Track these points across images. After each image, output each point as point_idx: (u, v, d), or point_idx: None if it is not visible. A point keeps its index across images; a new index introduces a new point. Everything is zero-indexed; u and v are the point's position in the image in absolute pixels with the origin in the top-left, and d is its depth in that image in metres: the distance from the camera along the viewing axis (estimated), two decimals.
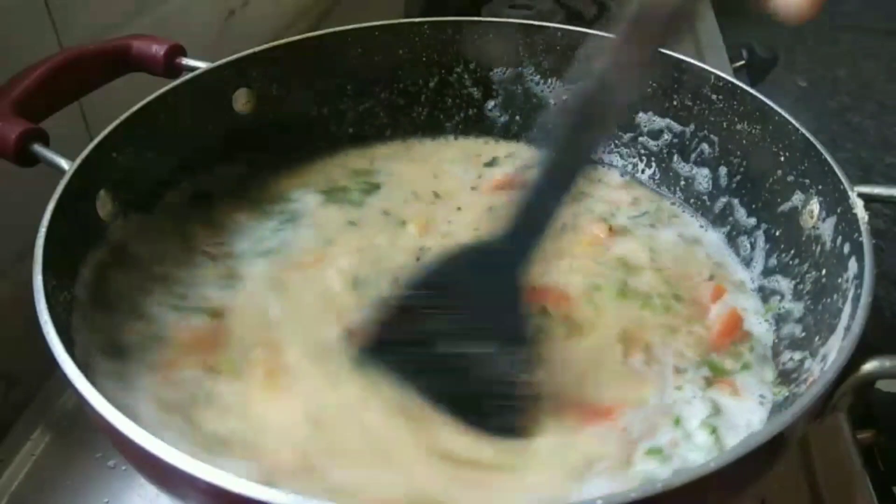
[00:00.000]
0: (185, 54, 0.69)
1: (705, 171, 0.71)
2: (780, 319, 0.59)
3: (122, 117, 0.61)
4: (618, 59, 0.47)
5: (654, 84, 0.72)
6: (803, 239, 0.59)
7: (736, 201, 0.68)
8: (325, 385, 0.52)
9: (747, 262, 0.65)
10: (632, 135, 0.76)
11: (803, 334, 0.55)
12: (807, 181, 0.59)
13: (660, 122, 0.74)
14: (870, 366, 0.43)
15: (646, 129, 0.75)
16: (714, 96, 0.68)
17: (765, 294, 0.62)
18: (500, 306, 0.51)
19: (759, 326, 0.60)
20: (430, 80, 0.80)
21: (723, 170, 0.69)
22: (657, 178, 0.75)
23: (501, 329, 0.51)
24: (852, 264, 0.50)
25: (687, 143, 0.72)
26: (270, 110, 0.75)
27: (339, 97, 0.79)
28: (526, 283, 0.50)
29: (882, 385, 0.47)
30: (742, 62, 1.14)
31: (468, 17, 0.79)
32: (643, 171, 0.76)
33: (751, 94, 0.65)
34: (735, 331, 0.59)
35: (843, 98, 1.32)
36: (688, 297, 0.62)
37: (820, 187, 0.57)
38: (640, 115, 0.75)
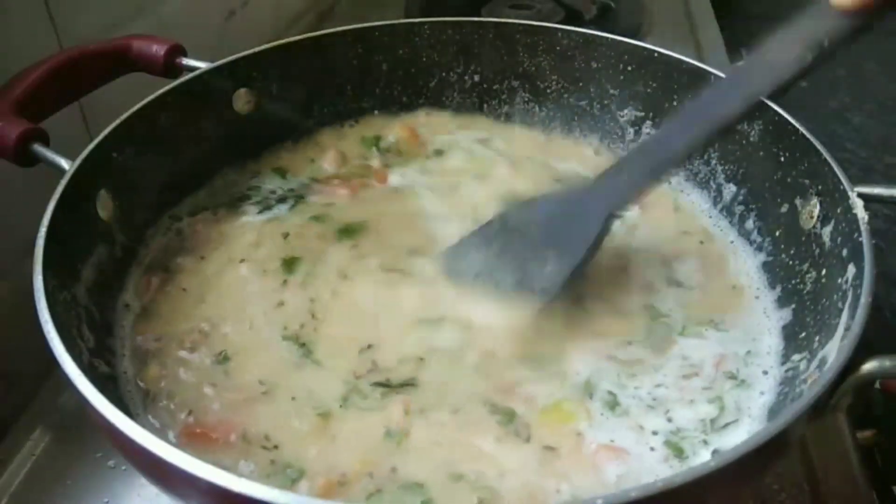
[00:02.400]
0: (185, 54, 0.69)
1: (705, 171, 0.71)
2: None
3: (122, 117, 0.61)
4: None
5: (654, 84, 0.72)
6: (803, 239, 0.59)
7: (736, 202, 0.68)
8: None
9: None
10: (631, 135, 0.76)
11: (803, 334, 0.55)
12: (807, 181, 0.59)
13: (660, 122, 0.74)
14: (870, 366, 0.43)
15: (645, 130, 0.75)
16: None
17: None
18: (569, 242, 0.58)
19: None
20: (430, 80, 0.80)
21: (722, 170, 0.69)
22: None
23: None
24: (852, 264, 0.50)
25: None
26: (270, 110, 0.75)
27: (339, 97, 0.79)
28: (597, 233, 0.57)
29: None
30: (741, 62, 1.14)
31: (468, 18, 0.79)
32: None
33: None
34: None
35: (843, 98, 1.32)
36: None
37: (820, 187, 0.57)
38: (640, 114, 0.75)
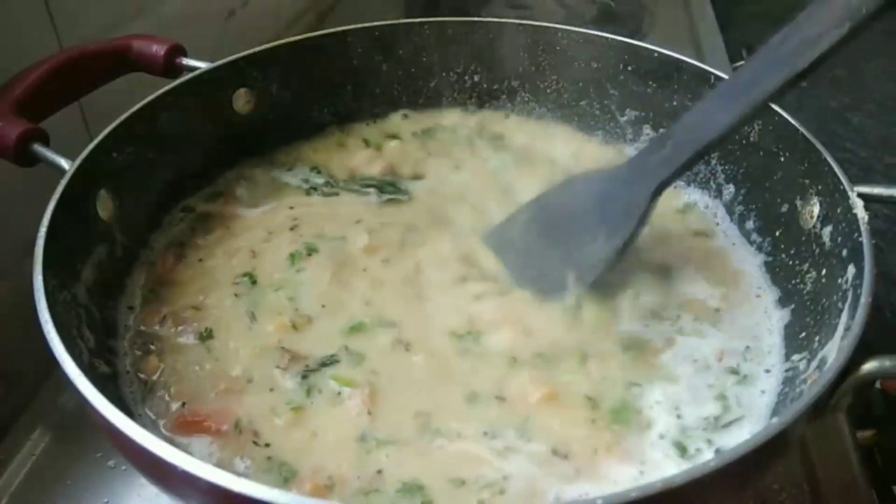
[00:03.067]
0: (185, 54, 0.69)
1: (705, 171, 0.71)
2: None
3: (122, 117, 0.61)
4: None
5: (654, 84, 0.72)
6: (803, 239, 0.59)
7: (736, 202, 0.68)
8: None
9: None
10: (631, 135, 0.76)
11: (803, 334, 0.55)
12: (807, 181, 0.59)
13: (659, 122, 0.74)
14: (870, 366, 0.43)
15: (645, 130, 0.75)
16: None
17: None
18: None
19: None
20: (430, 80, 0.80)
21: (722, 170, 0.69)
22: None
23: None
24: (852, 264, 0.50)
25: None
26: (270, 110, 0.75)
27: (339, 97, 0.79)
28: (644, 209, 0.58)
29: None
30: (742, 62, 1.14)
31: (468, 18, 0.79)
32: None
33: None
34: None
35: (843, 98, 1.31)
36: None
37: (820, 187, 0.57)
38: (640, 114, 0.75)
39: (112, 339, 0.57)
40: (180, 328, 0.58)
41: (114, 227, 0.61)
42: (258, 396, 0.53)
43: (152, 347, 0.57)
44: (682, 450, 0.50)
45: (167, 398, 0.53)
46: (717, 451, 0.50)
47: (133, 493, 0.57)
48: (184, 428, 0.52)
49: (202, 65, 0.69)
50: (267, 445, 0.50)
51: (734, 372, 0.55)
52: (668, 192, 0.71)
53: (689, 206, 0.71)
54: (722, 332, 0.58)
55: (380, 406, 0.53)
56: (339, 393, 0.53)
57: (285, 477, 0.48)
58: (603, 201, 0.60)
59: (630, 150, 0.76)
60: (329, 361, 0.56)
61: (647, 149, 0.60)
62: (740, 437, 0.51)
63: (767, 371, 0.56)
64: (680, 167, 0.57)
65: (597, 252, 0.58)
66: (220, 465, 0.48)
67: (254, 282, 0.62)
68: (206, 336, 0.58)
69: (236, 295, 0.61)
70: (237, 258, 0.65)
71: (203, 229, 0.68)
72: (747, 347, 0.57)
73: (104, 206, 0.59)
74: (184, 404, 0.53)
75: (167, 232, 0.67)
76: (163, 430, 0.51)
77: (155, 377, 0.55)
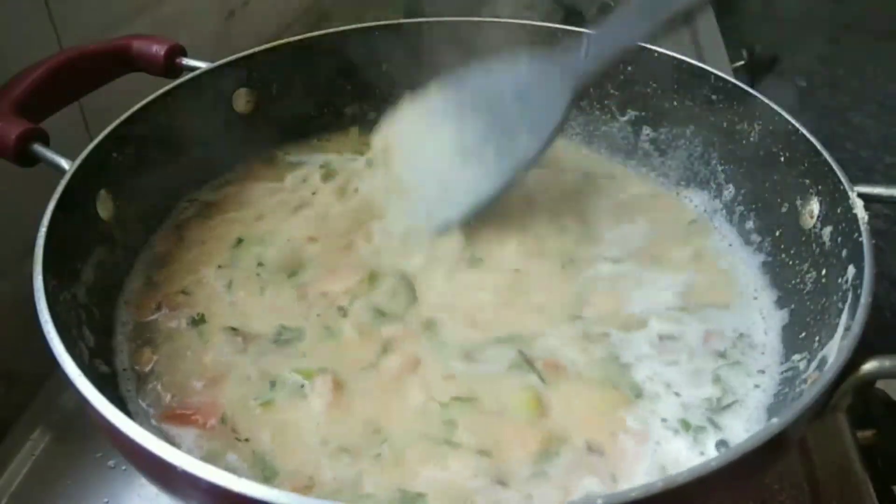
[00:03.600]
0: (185, 54, 0.69)
1: (705, 171, 0.71)
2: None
3: (122, 117, 0.61)
4: None
5: (654, 84, 0.72)
6: (803, 239, 0.59)
7: (736, 202, 0.68)
8: None
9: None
10: (631, 136, 0.76)
11: (803, 334, 0.55)
12: (807, 181, 0.59)
13: (659, 122, 0.74)
14: (870, 366, 0.43)
15: (645, 131, 0.75)
16: (714, 96, 0.68)
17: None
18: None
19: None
20: (431, 80, 0.80)
21: (722, 170, 0.69)
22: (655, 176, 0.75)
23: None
24: (852, 265, 0.50)
25: (687, 143, 0.72)
26: (271, 110, 0.75)
27: (339, 97, 0.79)
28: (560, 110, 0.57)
29: (882, 385, 0.47)
30: (742, 62, 1.14)
31: (468, 18, 0.79)
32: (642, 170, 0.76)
33: (751, 94, 0.65)
34: None
35: (843, 98, 1.32)
36: None
37: (820, 187, 0.57)
38: (640, 114, 0.75)
39: (111, 339, 0.57)
40: (173, 313, 0.59)
41: (114, 227, 0.61)
42: (237, 387, 0.53)
43: (147, 338, 0.57)
44: (685, 426, 0.51)
45: (159, 388, 0.54)
46: (720, 444, 0.51)
47: (133, 493, 0.57)
48: (173, 420, 0.52)
49: (202, 65, 0.69)
50: (247, 440, 0.50)
51: (722, 356, 0.56)
52: (668, 192, 0.73)
53: (688, 206, 0.71)
54: (718, 326, 0.59)
55: (345, 402, 0.52)
56: (302, 386, 0.53)
57: (266, 476, 0.48)
58: (521, 96, 0.59)
59: (630, 150, 0.76)
60: (280, 340, 0.56)
61: (564, 50, 0.60)
62: (737, 424, 0.52)
63: (761, 371, 0.56)
64: (599, 68, 0.59)
65: (521, 148, 0.58)
66: (209, 460, 0.48)
67: (240, 241, 0.65)
68: (198, 320, 0.58)
69: (219, 266, 0.63)
70: (231, 229, 0.67)
71: (206, 215, 0.69)
72: (741, 335, 0.58)
73: (104, 206, 0.60)
74: (173, 396, 0.53)
75: (170, 223, 0.68)
76: (153, 422, 0.51)
77: (148, 368, 0.55)
